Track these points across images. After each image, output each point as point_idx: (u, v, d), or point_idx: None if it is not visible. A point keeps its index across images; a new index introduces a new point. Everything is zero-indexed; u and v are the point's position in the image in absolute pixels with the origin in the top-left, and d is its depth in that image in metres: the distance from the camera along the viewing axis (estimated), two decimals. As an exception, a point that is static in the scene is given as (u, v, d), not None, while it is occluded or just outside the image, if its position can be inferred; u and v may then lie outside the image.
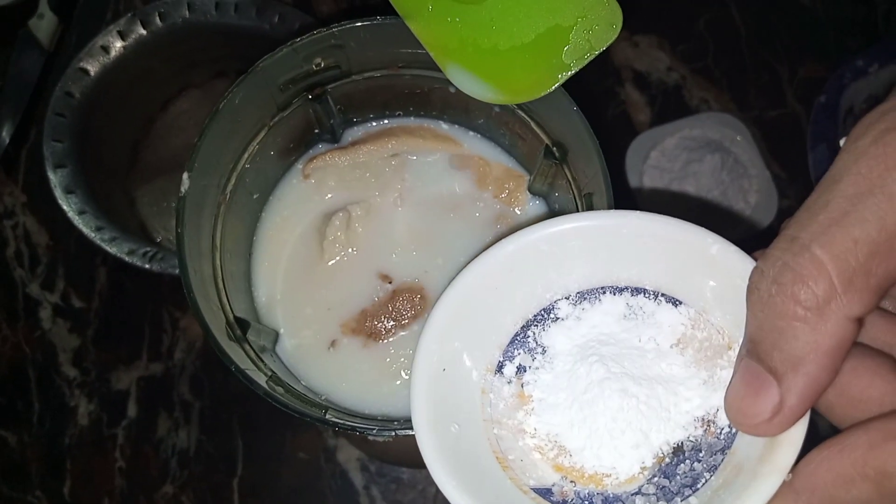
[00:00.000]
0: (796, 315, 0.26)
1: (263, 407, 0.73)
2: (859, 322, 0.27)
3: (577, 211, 0.49)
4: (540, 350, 0.37)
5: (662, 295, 0.36)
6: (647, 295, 0.36)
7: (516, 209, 0.56)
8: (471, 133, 0.57)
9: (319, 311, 0.53)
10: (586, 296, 0.37)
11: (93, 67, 0.71)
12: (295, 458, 0.73)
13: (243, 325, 0.47)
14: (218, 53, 0.77)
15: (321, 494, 0.72)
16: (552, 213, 0.56)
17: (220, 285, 0.48)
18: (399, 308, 0.53)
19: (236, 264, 0.52)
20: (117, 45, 0.72)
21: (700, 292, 0.35)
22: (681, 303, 0.36)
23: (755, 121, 0.80)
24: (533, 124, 0.51)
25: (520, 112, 0.51)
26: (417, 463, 0.71)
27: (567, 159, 0.49)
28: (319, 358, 0.52)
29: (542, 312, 0.37)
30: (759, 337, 0.28)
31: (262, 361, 0.47)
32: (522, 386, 0.37)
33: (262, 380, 0.44)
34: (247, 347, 0.47)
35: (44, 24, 0.80)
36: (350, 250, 0.54)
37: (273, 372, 0.46)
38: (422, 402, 0.34)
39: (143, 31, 0.72)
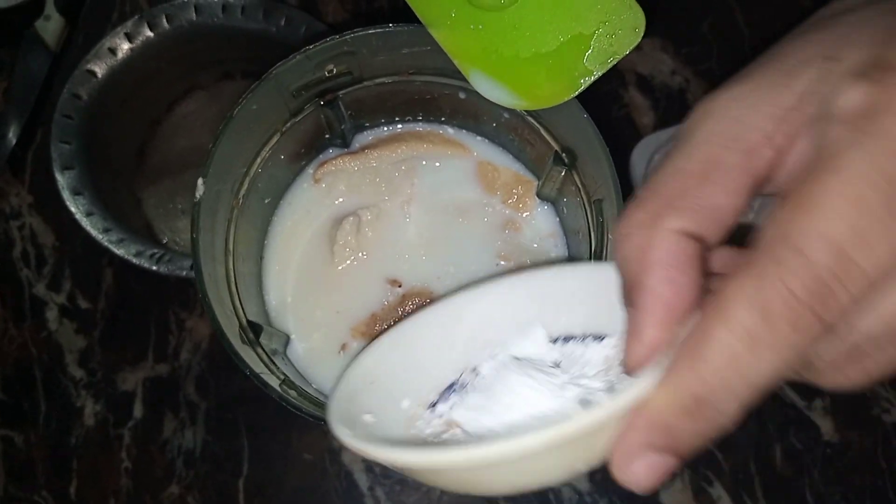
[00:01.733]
0: (630, 238, 0.29)
1: (269, 408, 0.73)
2: (693, 238, 0.28)
3: (587, 218, 0.49)
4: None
5: (590, 334, 0.37)
6: (576, 340, 0.38)
7: (524, 214, 0.56)
8: (479, 138, 0.58)
9: (329, 315, 0.54)
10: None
11: (100, 69, 0.71)
12: (300, 459, 0.73)
13: (256, 328, 0.48)
14: (224, 56, 0.77)
15: (326, 495, 0.73)
16: (561, 219, 0.56)
17: (234, 289, 0.48)
18: (409, 312, 0.53)
19: (248, 268, 0.52)
20: (124, 46, 0.72)
21: (621, 318, 0.36)
22: (605, 336, 0.37)
23: (758, 124, 0.80)
24: (542, 130, 0.51)
25: (529, 118, 0.51)
26: (422, 464, 0.71)
27: (576, 165, 0.50)
28: (330, 361, 0.53)
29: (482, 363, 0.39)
30: (620, 278, 0.30)
31: (275, 365, 0.47)
32: (452, 416, 0.38)
33: (275, 383, 0.44)
34: (259, 351, 0.47)
35: (50, 26, 0.80)
36: (360, 254, 0.55)
37: (286, 375, 0.47)
38: (345, 387, 0.37)
39: (150, 34, 0.72)
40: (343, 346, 0.53)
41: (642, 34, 0.44)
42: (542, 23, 0.44)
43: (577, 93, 0.45)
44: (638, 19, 0.43)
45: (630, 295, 0.29)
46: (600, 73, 0.45)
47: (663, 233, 0.28)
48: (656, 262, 0.28)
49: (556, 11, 0.44)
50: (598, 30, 0.44)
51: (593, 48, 0.44)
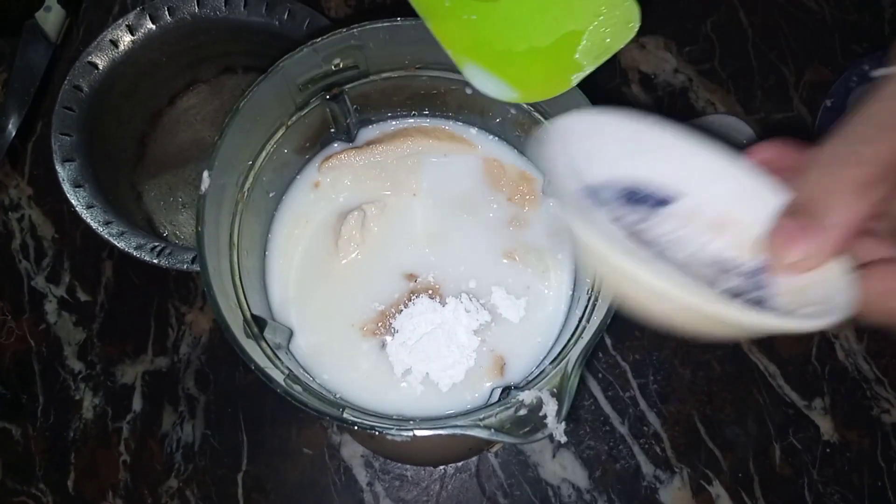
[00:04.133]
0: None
1: (269, 402, 0.73)
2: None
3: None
4: None
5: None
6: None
7: (529, 211, 0.56)
8: (486, 134, 0.58)
9: (334, 309, 0.54)
10: None
11: (101, 61, 0.71)
12: (300, 454, 0.73)
13: (260, 322, 0.47)
14: (226, 49, 0.77)
15: (325, 490, 0.72)
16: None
17: (238, 283, 0.48)
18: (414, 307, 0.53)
19: (252, 262, 0.52)
20: (126, 39, 0.72)
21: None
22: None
23: (761, 123, 0.80)
24: (549, 126, 0.51)
25: (536, 114, 0.51)
26: (421, 460, 0.71)
27: (583, 162, 0.50)
28: (334, 356, 0.52)
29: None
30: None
31: (279, 359, 0.47)
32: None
33: (280, 378, 0.44)
34: (263, 345, 0.47)
35: (51, 17, 0.79)
36: (365, 249, 0.54)
37: (290, 370, 0.46)
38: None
39: (152, 26, 0.72)
40: (347, 341, 0.53)
41: (637, 29, 0.43)
42: (535, 16, 0.44)
43: (568, 88, 0.44)
44: (632, 14, 0.43)
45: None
46: (592, 69, 0.44)
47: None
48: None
49: (549, 5, 0.43)
50: (591, 25, 0.43)
51: (586, 43, 0.43)
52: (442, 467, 0.72)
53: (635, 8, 0.43)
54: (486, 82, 0.46)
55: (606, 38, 0.43)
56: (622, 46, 0.44)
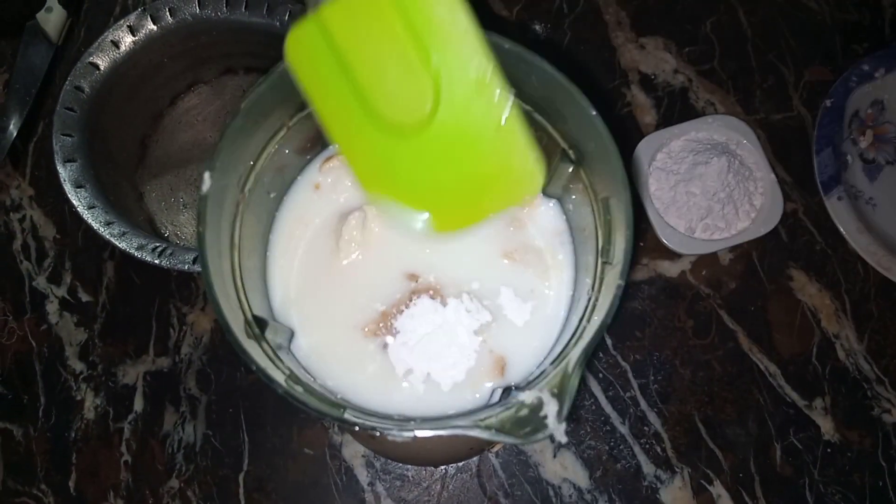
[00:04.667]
0: None
1: (270, 402, 0.73)
2: None
3: (594, 215, 0.49)
4: None
5: None
6: None
7: (529, 211, 0.56)
8: (486, 135, 0.58)
9: (335, 310, 0.54)
10: None
11: (103, 62, 0.71)
12: (301, 454, 0.73)
13: (261, 323, 0.47)
14: (227, 50, 0.77)
15: (327, 490, 0.73)
16: (567, 217, 0.56)
17: (239, 283, 0.48)
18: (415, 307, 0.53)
19: (253, 263, 0.52)
20: (127, 40, 0.72)
21: None
22: None
23: (761, 124, 0.80)
24: (550, 127, 0.51)
25: (537, 115, 0.51)
26: (422, 460, 0.71)
27: (583, 163, 0.50)
28: (335, 356, 0.53)
29: None
30: None
31: (280, 360, 0.47)
32: None
33: (281, 378, 0.44)
34: (264, 346, 0.47)
35: (52, 18, 0.80)
36: (366, 250, 0.54)
37: (291, 371, 0.46)
38: None
39: (153, 27, 0.72)
40: (348, 341, 0.53)
41: (539, 189, 0.46)
42: (442, 161, 0.44)
43: (468, 228, 0.46)
44: (535, 176, 0.43)
45: None
46: (493, 214, 0.47)
47: None
48: None
49: (456, 153, 0.43)
50: (498, 175, 0.44)
51: (492, 192, 0.44)
52: (443, 467, 0.73)
53: (539, 174, 0.43)
54: (391, 211, 0.46)
55: (511, 189, 0.44)
56: (522, 204, 0.45)
